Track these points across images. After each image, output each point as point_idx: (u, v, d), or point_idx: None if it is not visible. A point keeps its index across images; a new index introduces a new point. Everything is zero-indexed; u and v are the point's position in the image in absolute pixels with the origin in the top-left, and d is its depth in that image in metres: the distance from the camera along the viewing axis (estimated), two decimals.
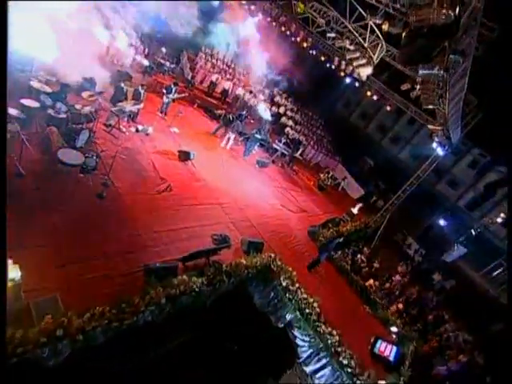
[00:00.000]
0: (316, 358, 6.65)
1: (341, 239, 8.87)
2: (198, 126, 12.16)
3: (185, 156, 9.17)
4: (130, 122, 9.17)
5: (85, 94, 7.41)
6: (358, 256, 11.30)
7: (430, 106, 6.78)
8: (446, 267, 18.67)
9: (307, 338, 6.76)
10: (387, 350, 7.49)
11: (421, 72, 4.61)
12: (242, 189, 9.98)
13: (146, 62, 12.28)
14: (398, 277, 11.71)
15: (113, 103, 8.38)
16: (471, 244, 21.79)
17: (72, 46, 7.39)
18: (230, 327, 6.53)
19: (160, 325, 5.36)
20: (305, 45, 14.77)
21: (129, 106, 8.44)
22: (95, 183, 6.48)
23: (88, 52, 9.75)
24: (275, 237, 8.85)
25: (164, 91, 10.72)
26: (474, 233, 20.38)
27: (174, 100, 10.93)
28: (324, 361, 6.56)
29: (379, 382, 6.58)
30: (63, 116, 6.75)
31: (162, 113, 10.81)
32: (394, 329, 8.53)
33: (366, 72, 8.63)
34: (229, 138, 11.94)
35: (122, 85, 8.41)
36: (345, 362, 6.34)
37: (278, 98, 17.32)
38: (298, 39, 14.66)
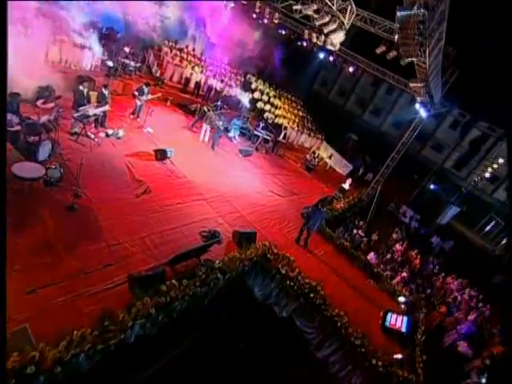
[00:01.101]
0: (327, 343, 6.24)
1: (324, 208, 8.25)
2: (173, 123, 11.45)
3: (162, 155, 8.51)
4: (98, 128, 8.42)
5: (39, 102, 6.65)
6: (355, 231, 10.94)
7: (411, 59, 6.25)
8: (443, 229, 18.63)
9: (315, 324, 6.33)
10: (398, 321, 7.14)
11: (399, 14, 4.08)
12: (227, 180, 9.40)
13: (110, 64, 11.41)
14: (398, 246, 11.42)
15: (75, 109, 7.61)
16: (462, 203, 21.83)
17: (20, 51, 6.58)
18: (233, 325, 6.04)
19: (156, 337, 4.85)
20: (276, 21, 14.05)
21: (92, 110, 7.69)
22: (64, 195, 5.81)
23: (39, 57, 8.94)
24: (268, 224, 8.34)
25: (136, 93, 9.95)
26: (464, 190, 20.29)
27: (146, 101, 10.16)
28: (335, 345, 6.16)
29: (395, 356, 6.23)
30: (17, 129, 6.02)
31: (133, 115, 10.07)
32: (401, 299, 8.19)
33: (338, 38, 8.06)
34: (205, 131, 11.27)
35: (81, 88, 7.62)
36: (357, 342, 5.94)
37: (253, 84, 16.58)
38: (266, 20, 13.95)
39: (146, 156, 8.46)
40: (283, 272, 6.56)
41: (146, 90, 9.88)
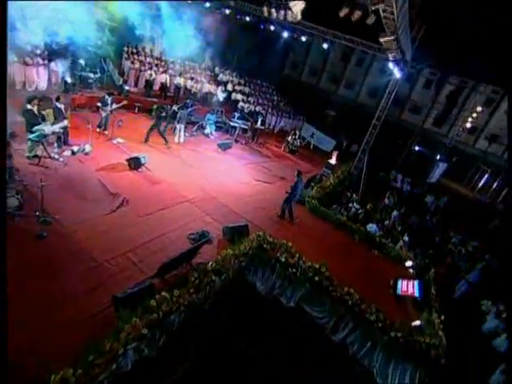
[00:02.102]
0: (342, 325, 5.81)
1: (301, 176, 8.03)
2: (143, 130, 10.66)
3: (136, 163, 7.85)
4: (62, 147, 7.70)
5: None
6: (350, 204, 10.52)
7: (377, 6, 5.71)
8: (434, 188, 18.45)
9: (325, 308, 5.88)
10: (409, 287, 6.75)
11: None
12: (209, 178, 8.81)
13: (67, 79, 10.56)
14: (395, 212, 11.07)
15: (29, 131, 6.86)
16: (449, 158, 21.75)
17: None
18: (233, 325, 5.54)
19: (155, 358, 4.32)
20: (227, 12, 13.31)
21: (49, 128, 6.95)
22: (29, 225, 5.16)
23: None
24: (259, 214, 7.82)
25: (99, 105, 9.19)
26: (448, 144, 20.14)
27: (111, 112, 9.42)
28: (350, 324, 5.73)
29: (413, 324, 5.84)
30: None
31: (100, 128, 9.33)
32: (408, 263, 7.80)
33: (298, 7, 7.43)
34: (180, 131, 10.62)
35: (29, 106, 6.83)
36: (372, 317, 5.52)
37: (221, 76, 15.84)
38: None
39: (119, 167, 7.79)
40: (283, 260, 6.07)
41: (109, 100, 9.13)
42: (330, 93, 29.71)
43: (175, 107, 10.68)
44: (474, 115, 19.39)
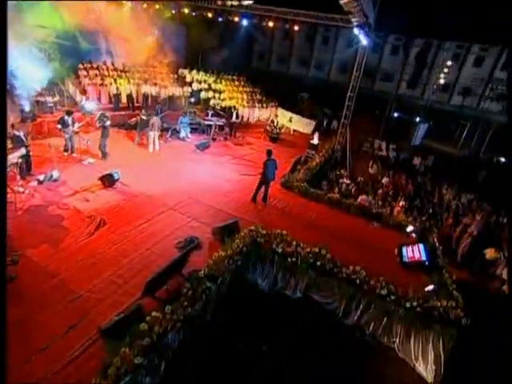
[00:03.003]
0: (353, 306, 5.40)
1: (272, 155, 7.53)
2: (115, 145, 10.01)
3: (109, 180, 7.25)
4: (26, 178, 7.05)
5: None
6: (341, 181, 10.12)
7: None
8: (419, 150, 18.23)
9: (334, 291, 5.46)
10: (415, 252, 6.39)
11: None
12: (191, 181, 8.26)
13: (24, 107, 9.80)
14: (385, 179, 10.72)
15: None
16: (428, 119, 21.62)
17: None
18: (237, 327, 5.06)
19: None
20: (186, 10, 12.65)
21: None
22: None
23: None
24: (248, 208, 7.33)
25: (59, 127, 8.47)
26: (425, 104, 19.93)
27: (76, 132, 8.74)
28: (363, 304, 5.33)
29: (426, 289, 5.48)
30: None
31: (67, 151, 8.66)
32: (409, 228, 7.46)
33: None
34: (154, 139, 10.01)
35: None
36: (384, 292, 5.12)
37: (189, 77, 15.17)
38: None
39: (92, 188, 7.18)
40: (280, 251, 5.61)
41: (69, 119, 8.44)
42: (302, 77, 29.27)
43: (143, 116, 10.05)
44: (446, 70, 19.16)
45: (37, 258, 4.89)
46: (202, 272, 4.71)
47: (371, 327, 5.45)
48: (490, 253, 8.10)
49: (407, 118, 22.09)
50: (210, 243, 5.80)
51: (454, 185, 12.38)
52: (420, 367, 5.12)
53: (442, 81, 19.64)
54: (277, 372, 4.45)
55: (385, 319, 5.33)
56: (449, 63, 19.48)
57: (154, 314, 3.89)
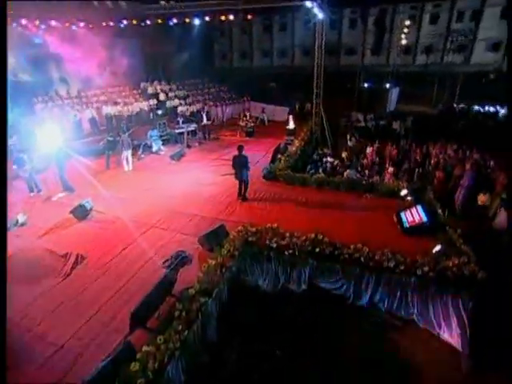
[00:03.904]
0: (363, 286, 5.01)
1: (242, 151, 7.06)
2: (86, 174, 9.36)
3: (81, 211, 6.67)
4: None
5: None
6: (325, 160, 9.72)
7: None
8: (396, 114, 18.02)
9: (339, 275, 5.06)
10: (415, 215, 6.03)
11: None
12: (170, 194, 7.72)
13: None
14: (368, 148, 10.37)
15: None
16: (397, 83, 21.52)
17: None
18: (254, 336, 4.61)
19: None
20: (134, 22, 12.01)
21: None
22: None
23: None
24: (234, 208, 6.86)
25: (14, 167, 7.81)
26: (392, 69, 19.77)
27: (37, 170, 8.07)
28: (372, 281, 4.94)
29: (434, 250, 5.11)
30: None
31: (33, 191, 8.00)
32: (403, 192, 7.11)
33: None
34: (127, 158, 9.43)
35: None
36: (391, 264, 4.73)
37: (151, 89, 14.53)
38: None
39: (65, 224, 6.59)
40: (275, 246, 5.16)
41: (24, 157, 7.80)
42: (267, 67, 28.91)
43: (109, 138, 9.44)
44: (405, 31, 19.01)
45: (10, 314, 4.31)
46: (194, 289, 4.22)
47: (386, 304, 5.08)
48: (481, 198, 7.88)
49: (378, 86, 21.92)
50: (200, 254, 5.30)
51: (437, 140, 12.16)
52: (445, 334, 4.77)
53: (403, 42, 19.48)
54: (278, 372, 4.04)
55: (398, 292, 4.96)
56: (407, 23, 19.31)
57: (145, 348, 3.40)
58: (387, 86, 21.21)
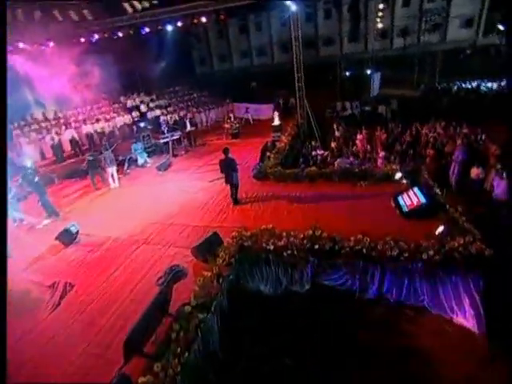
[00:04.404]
0: (368, 277, 4.77)
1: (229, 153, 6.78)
2: (71, 197, 8.99)
3: (67, 236, 6.32)
4: None
5: None
6: (314, 153, 9.50)
7: None
8: (380, 99, 17.91)
9: (342, 269, 4.82)
10: (412, 198, 5.82)
11: None
12: (158, 206, 7.38)
13: None
14: (358, 136, 10.18)
15: None
16: (378, 68, 21.49)
17: None
18: (259, 341, 4.34)
19: None
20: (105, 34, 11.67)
21: None
22: None
23: None
24: (226, 214, 6.57)
25: None
26: (372, 54, 19.69)
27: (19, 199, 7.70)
28: (377, 272, 4.70)
29: (437, 232, 4.90)
30: None
31: (15, 222, 7.62)
32: (398, 175, 6.91)
33: None
34: (112, 175, 9.10)
35: None
36: (395, 253, 4.51)
37: (130, 102, 14.19)
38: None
39: (52, 251, 6.25)
40: (272, 248, 4.90)
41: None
42: (247, 68, 28.74)
43: (89, 157, 9.09)
44: (380, 14, 18.96)
45: None
46: (191, 305, 3.93)
47: (394, 293, 4.84)
48: (474, 172, 7.74)
49: (359, 73, 21.88)
50: (195, 266, 5.01)
51: (424, 120, 12.04)
52: (459, 318, 4.54)
53: (379, 26, 19.42)
54: (278, 374, 3.78)
55: (406, 280, 4.73)
56: (381, 6, 19.27)
57: (141, 380, 3.10)
58: (368, 72, 21.15)
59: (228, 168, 6.62)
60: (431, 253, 4.43)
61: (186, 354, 3.45)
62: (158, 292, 4.19)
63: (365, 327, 4.61)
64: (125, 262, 5.45)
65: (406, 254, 4.52)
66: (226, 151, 6.67)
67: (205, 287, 4.18)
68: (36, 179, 7.36)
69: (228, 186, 6.92)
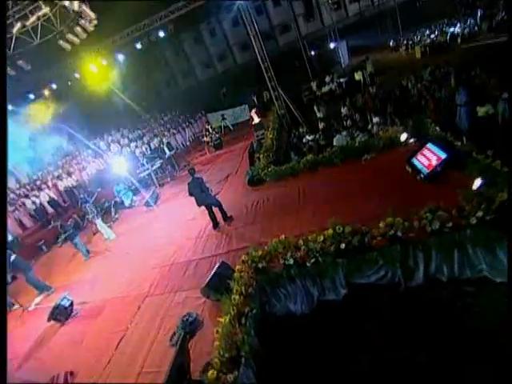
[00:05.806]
0: (411, 263, 3.95)
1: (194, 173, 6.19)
2: (62, 265, 8.09)
3: (61, 312, 5.49)
4: None
5: None
6: (304, 140, 8.75)
7: None
8: (354, 67, 17.28)
9: (378, 263, 4.01)
10: (430, 156, 5.05)
11: None
12: (154, 247, 6.56)
13: None
14: (344, 110, 9.44)
15: None
16: (341, 39, 21.00)
17: None
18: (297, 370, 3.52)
19: None
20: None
21: None
22: None
23: None
24: (228, 235, 5.74)
25: None
26: (330, 30, 19.09)
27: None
28: (419, 254, 3.89)
29: (474, 187, 4.07)
30: None
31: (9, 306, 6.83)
32: (403, 137, 6.14)
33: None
34: (102, 227, 8.33)
35: None
36: (435, 226, 3.71)
37: (113, 146, 13.49)
38: None
39: (46, 336, 5.38)
40: (292, 262, 4.11)
41: None
42: (213, 77, 28.28)
43: (64, 224, 8.20)
44: None
45: None
46: (213, 367, 3.12)
47: (446, 272, 4.04)
48: (481, 110, 7.04)
49: (323, 49, 21.30)
50: (210, 309, 4.21)
51: (404, 73, 11.36)
52: None
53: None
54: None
55: (455, 253, 3.93)
56: None
57: None
58: (332, 45, 20.59)
59: (196, 189, 5.95)
60: (480, 214, 3.64)
61: None
62: (174, 356, 3.39)
63: (421, 316, 3.79)
64: (129, 326, 4.62)
65: (450, 224, 3.73)
66: (191, 172, 6.13)
67: (227, 338, 3.37)
68: (12, 258, 6.48)
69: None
